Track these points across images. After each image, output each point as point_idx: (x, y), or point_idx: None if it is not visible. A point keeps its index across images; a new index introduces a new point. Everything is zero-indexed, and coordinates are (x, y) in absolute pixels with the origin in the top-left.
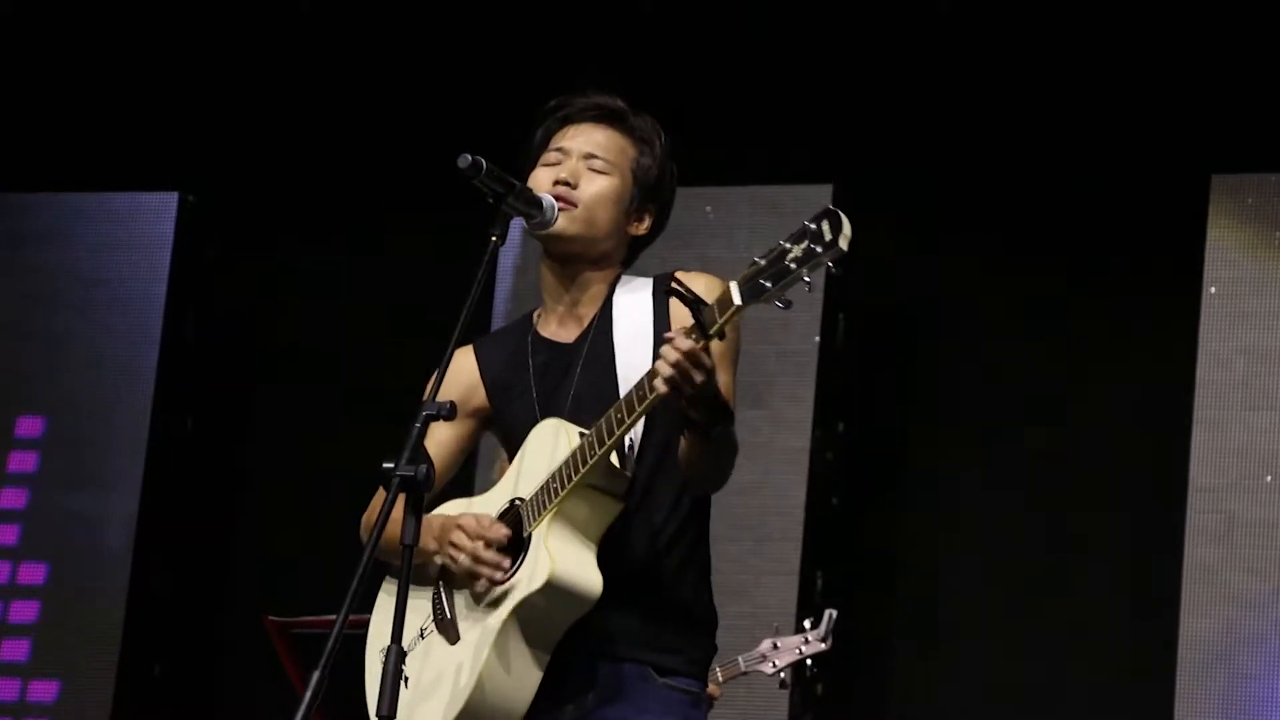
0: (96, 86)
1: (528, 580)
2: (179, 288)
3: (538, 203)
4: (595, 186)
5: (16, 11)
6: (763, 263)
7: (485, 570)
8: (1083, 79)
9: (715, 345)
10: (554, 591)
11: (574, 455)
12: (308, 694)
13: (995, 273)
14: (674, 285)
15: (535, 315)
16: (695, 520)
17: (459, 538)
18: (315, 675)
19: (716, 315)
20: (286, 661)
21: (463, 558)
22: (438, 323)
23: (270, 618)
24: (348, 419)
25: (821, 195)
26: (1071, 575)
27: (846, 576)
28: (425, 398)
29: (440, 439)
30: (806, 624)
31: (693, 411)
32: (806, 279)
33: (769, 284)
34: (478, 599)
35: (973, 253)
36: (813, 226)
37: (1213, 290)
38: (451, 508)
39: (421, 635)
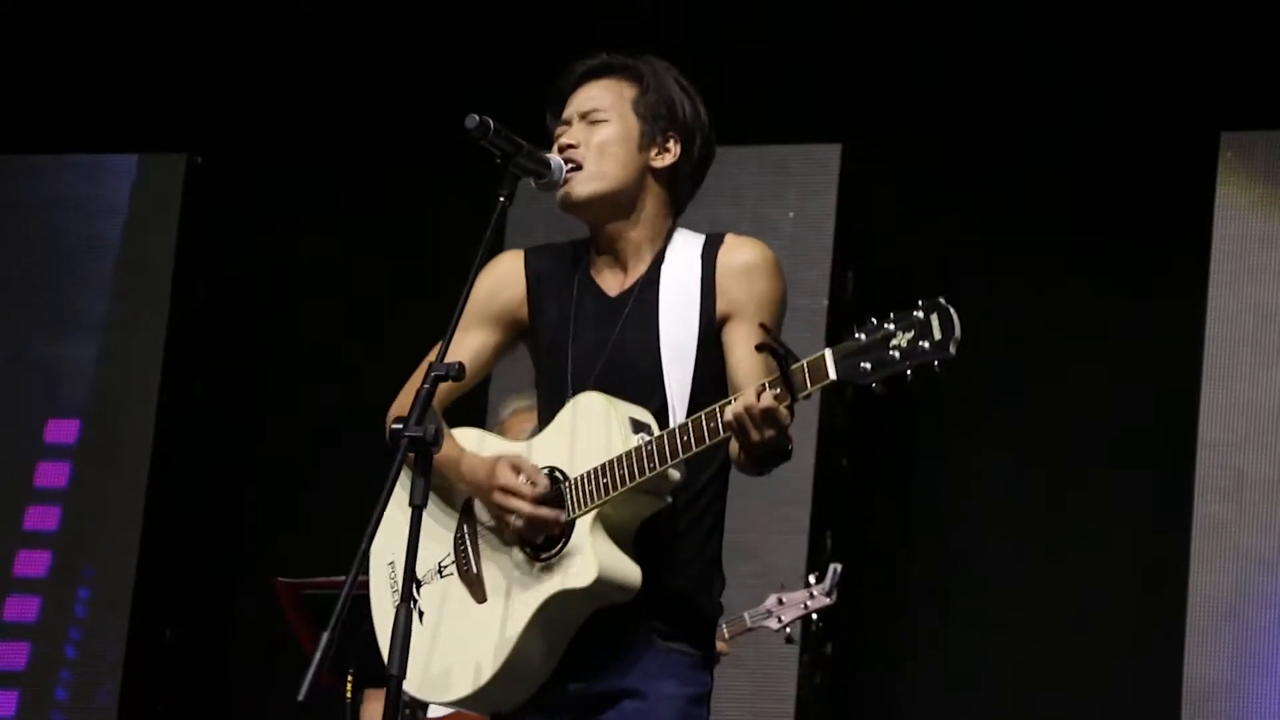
0: (104, 48)
1: (571, 575)
2: (187, 250)
3: (545, 162)
4: (596, 138)
5: None
6: (864, 339)
7: (543, 531)
8: (1091, 36)
9: (766, 294)
10: (596, 590)
11: (631, 460)
12: (317, 654)
13: (1003, 229)
14: (765, 340)
15: (588, 248)
16: (712, 487)
17: (508, 500)
18: (325, 636)
19: (807, 382)
20: (296, 623)
21: (514, 519)
22: (446, 285)
23: (280, 579)
24: (356, 381)
25: (830, 156)
26: (1081, 532)
27: (856, 536)
28: (435, 357)
29: (474, 344)
30: (812, 579)
31: (752, 449)
32: (909, 374)
33: (868, 367)
34: (510, 568)
35: (980, 210)
36: (922, 318)
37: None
38: (468, 439)
39: (440, 572)
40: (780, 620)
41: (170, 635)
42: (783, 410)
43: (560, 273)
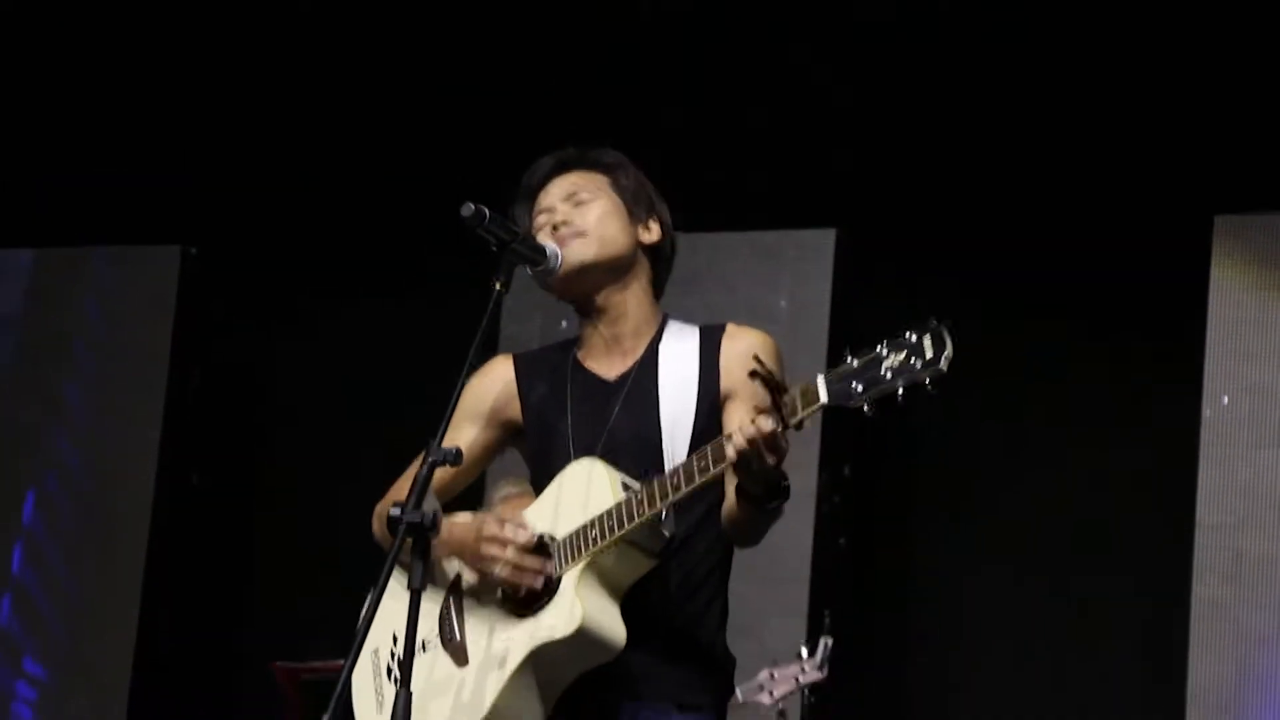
0: (97, 141)
1: (554, 626)
2: (183, 341)
3: (541, 249)
4: (593, 211)
5: (20, 60)
6: (855, 364)
7: (528, 579)
8: (1085, 121)
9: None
10: (580, 642)
11: (619, 509)
12: None
13: (998, 316)
14: (756, 368)
15: (576, 341)
16: (721, 567)
17: (490, 548)
18: None
19: (799, 407)
20: (295, 708)
21: (500, 568)
22: (442, 373)
23: (279, 664)
24: (353, 470)
25: (824, 240)
26: (1079, 614)
27: (855, 616)
28: (433, 443)
29: (466, 441)
30: (803, 653)
31: (753, 486)
32: (900, 392)
33: (859, 388)
34: (493, 627)
35: (975, 296)
36: (913, 339)
37: (1222, 403)
38: (463, 520)
39: (424, 648)
40: (772, 695)
41: None
42: (779, 436)
43: (552, 367)
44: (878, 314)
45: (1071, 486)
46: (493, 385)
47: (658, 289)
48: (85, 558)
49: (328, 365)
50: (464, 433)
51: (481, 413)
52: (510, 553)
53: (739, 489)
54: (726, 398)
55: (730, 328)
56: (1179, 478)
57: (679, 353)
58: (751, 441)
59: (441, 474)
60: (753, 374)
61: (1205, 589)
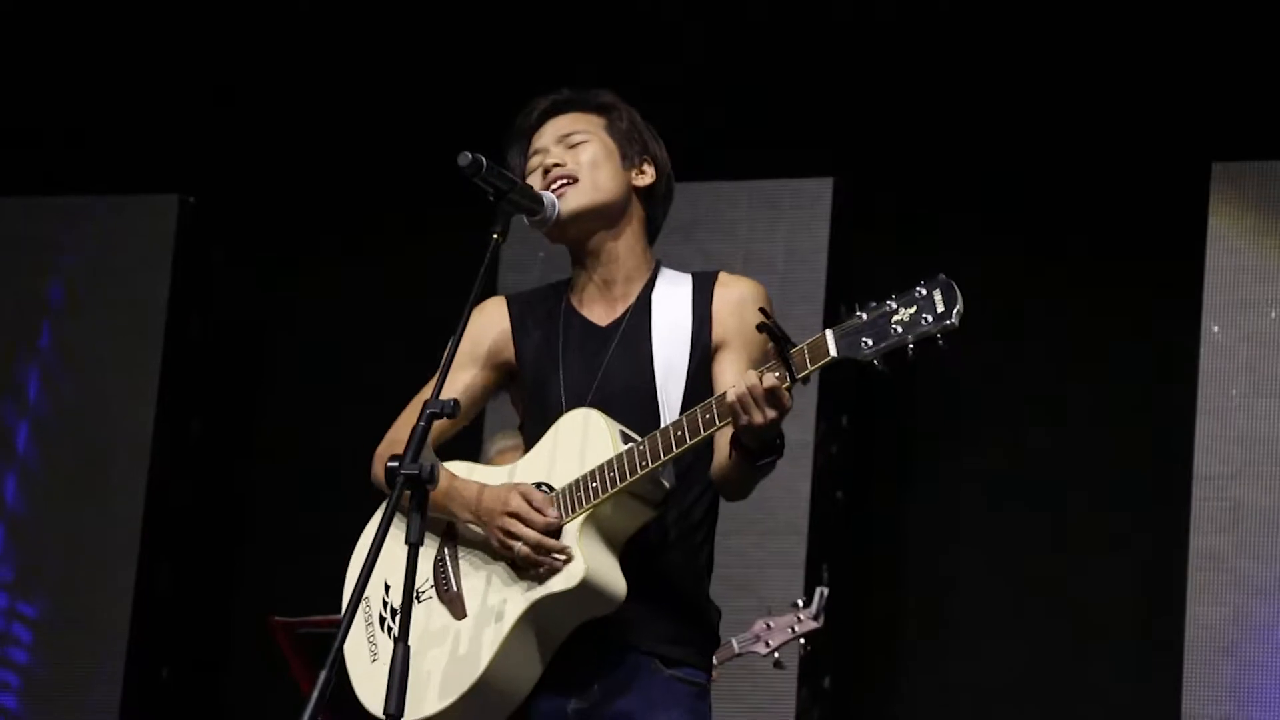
0: (94, 90)
1: (557, 578)
2: (181, 290)
3: (539, 199)
4: (585, 154)
5: (16, 13)
6: (864, 318)
7: (549, 560)
8: (1083, 68)
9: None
10: (583, 593)
11: (621, 461)
12: (315, 693)
13: (996, 265)
14: (764, 321)
15: (568, 285)
16: (707, 518)
17: (514, 525)
18: (323, 675)
19: (807, 360)
20: (293, 661)
21: (521, 546)
22: (441, 322)
23: (276, 618)
24: (352, 420)
25: (822, 189)
26: (1076, 565)
27: (852, 569)
28: (429, 395)
29: (463, 383)
30: (799, 603)
31: (750, 440)
32: (911, 347)
33: (869, 343)
34: (491, 579)
35: (973, 246)
36: (923, 293)
37: (1215, 330)
38: (456, 469)
39: (418, 598)
40: (768, 645)
41: (167, 674)
42: (784, 390)
43: (544, 310)
44: (875, 263)
45: (1069, 436)
46: (489, 327)
47: (652, 232)
48: (83, 505)
49: (326, 313)
50: (462, 374)
51: (478, 355)
52: (534, 535)
53: (735, 442)
54: (719, 347)
55: (723, 276)
56: (1176, 427)
57: (672, 300)
58: (755, 395)
59: (438, 421)
60: (760, 327)
61: (1203, 540)
